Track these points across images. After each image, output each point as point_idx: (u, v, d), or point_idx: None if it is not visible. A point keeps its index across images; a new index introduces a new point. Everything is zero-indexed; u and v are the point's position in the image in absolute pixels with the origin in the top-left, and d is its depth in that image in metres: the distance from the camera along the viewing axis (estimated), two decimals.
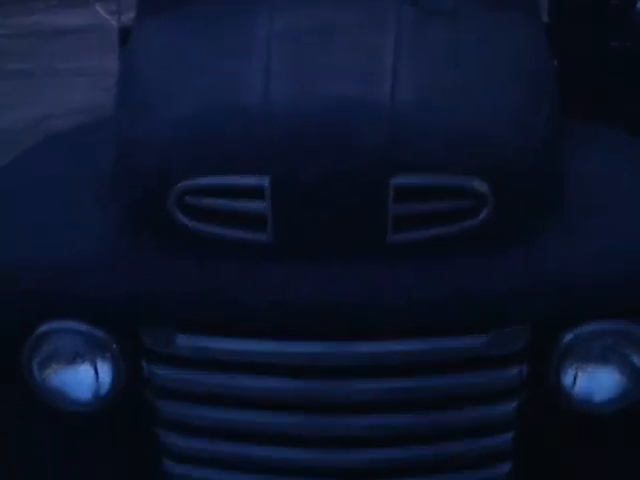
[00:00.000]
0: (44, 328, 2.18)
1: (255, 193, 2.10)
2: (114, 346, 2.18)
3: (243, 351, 2.11)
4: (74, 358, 2.20)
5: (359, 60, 2.24)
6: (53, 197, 2.39)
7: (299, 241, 2.11)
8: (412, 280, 2.08)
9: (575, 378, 2.17)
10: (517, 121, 2.21)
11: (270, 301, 2.08)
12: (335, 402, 2.12)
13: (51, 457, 2.29)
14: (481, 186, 2.10)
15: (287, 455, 2.18)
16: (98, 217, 2.29)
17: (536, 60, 2.46)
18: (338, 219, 2.09)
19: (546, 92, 2.36)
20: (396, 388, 2.11)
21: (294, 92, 2.13)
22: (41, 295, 2.18)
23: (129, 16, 2.93)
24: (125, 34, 2.92)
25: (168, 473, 2.26)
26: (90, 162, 2.49)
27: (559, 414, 2.20)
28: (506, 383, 2.15)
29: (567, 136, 2.46)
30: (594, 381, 2.18)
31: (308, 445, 2.17)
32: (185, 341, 2.13)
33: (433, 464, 2.20)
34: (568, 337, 2.14)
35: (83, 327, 2.17)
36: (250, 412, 2.16)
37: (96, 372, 2.20)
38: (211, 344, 2.12)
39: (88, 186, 2.40)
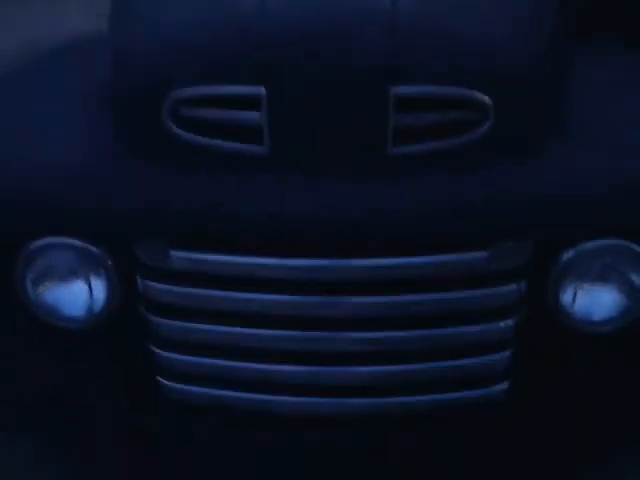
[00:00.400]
0: (37, 244, 2.15)
1: (251, 103, 2.05)
2: (108, 262, 2.15)
3: (239, 266, 2.08)
4: (68, 274, 2.18)
5: None
6: (45, 112, 2.34)
7: (296, 153, 2.07)
8: (412, 193, 2.05)
9: (574, 296, 2.16)
10: (521, 31, 2.16)
11: (266, 215, 2.04)
12: (332, 317, 2.10)
13: (45, 374, 2.27)
14: (484, 97, 2.05)
15: (283, 372, 2.16)
16: (92, 132, 2.24)
17: None
18: (337, 130, 2.05)
19: (550, 4, 2.30)
20: (394, 303, 2.09)
21: None
22: (33, 211, 2.14)
23: None
24: None
25: (163, 391, 2.25)
26: (85, 78, 2.44)
27: (558, 333, 2.19)
28: (505, 300, 2.13)
29: (573, 52, 2.41)
30: (593, 299, 2.16)
31: (305, 361, 2.15)
32: (180, 256, 2.10)
33: (430, 381, 2.19)
34: (568, 254, 2.12)
35: (77, 243, 2.14)
36: (246, 328, 2.14)
37: (90, 288, 2.18)
38: (206, 259, 2.09)
39: (82, 101, 2.35)
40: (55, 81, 2.50)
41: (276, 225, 2.04)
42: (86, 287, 2.18)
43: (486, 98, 2.05)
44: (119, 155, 2.16)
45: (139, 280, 2.16)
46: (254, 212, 2.05)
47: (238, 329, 2.14)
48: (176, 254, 2.09)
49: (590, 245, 2.12)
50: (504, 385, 2.21)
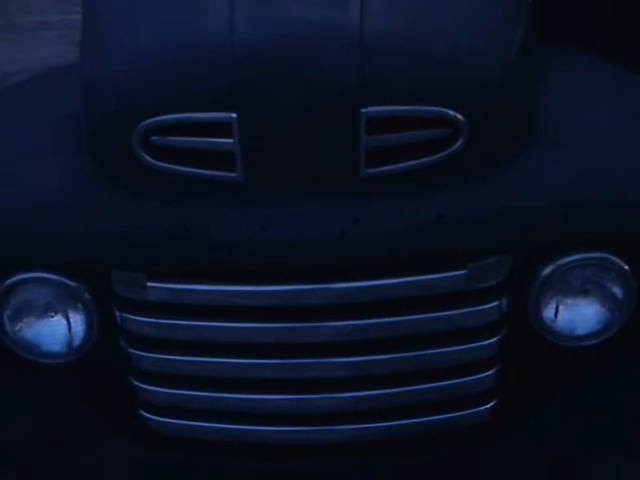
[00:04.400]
0: (12, 280, 2.12)
1: (222, 129, 2.03)
2: (86, 295, 2.13)
3: (216, 294, 2.05)
4: (45, 309, 2.15)
5: None
6: (13, 141, 2.31)
7: (270, 178, 2.05)
8: (388, 214, 2.03)
9: (556, 311, 2.14)
10: (490, 46, 2.15)
11: (242, 241, 2.02)
12: (312, 343, 2.07)
13: (26, 411, 2.24)
14: (456, 115, 2.04)
15: (266, 401, 2.14)
16: (64, 162, 2.22)
17: None
18: (309, 153, 2.03)
19: (519, 17, 2.29)
20: (375, 326, 2.07)
21: (259, 22, 2.05)
22: (7, 245, 2.12)
23: None
24: None
25: (146, 424, 2.22)
26: (54, 106, 2.42)
27: (542, 348, 2.17)
28: (487, 318, 2.11)
29: (543, 62, 2.40)
30: (575, 313, 2.15)
31: (287, 390, 2.12)
32: (156, 287, 2.07)
33: (416, 404, 2.17)
34: (547, 269, 2.10)
35: (53, 277, 2.12)
36: (226, 358, 2.11)
37: (69, 323, 2.15)
38: (183, 288, 2.06)
39: (51, 129, 2.32)
40: (26, 111, 2.48)
41: (253, 251, 2.02)
42: (65, 322, 2.16)
43: (458, 115, 2.04)
44: (92, 185, 2.14)
45: (117, 313, 2.14)
46: (230, 239, 2.02)
47: (218, 359, 2.11)
48: (152, 285, 2.07)
49: (570, 259, 2.10)
50: (491, 404, 2.19)
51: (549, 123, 2.23)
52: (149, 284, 2.07)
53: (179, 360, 2.13)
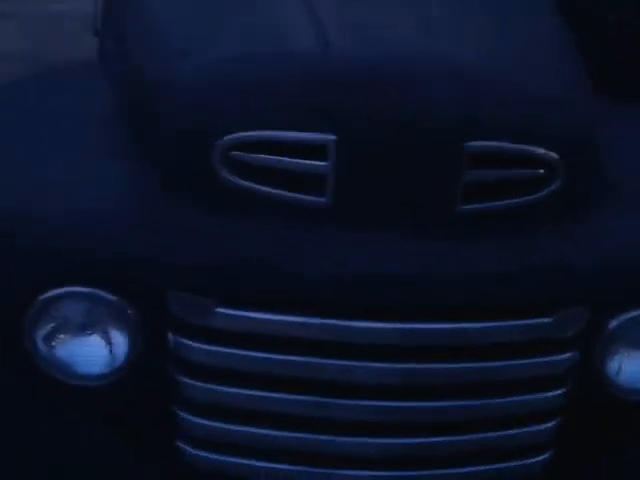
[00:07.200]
0: (49, 294, 1.95)
1: (316, 151, 1.90)
2: (129, 312, 1.96)
3: (291, 327, 1.91)
4: (84, 327, 1.98)
5: (426, 15, 2.07)
6: (55, 140, 2.13)
7: (360, 206, 1.92)
8: (479, 255, 1.94)
9: (620, 365, 2.09)
10: (585, 94, 2.12)
11: (325, 272, 1.89)
12: (377, 383, 1.95)
13: (57, 434, 2.05)
14: (555, 155, 1.97)
15: (322, 442, 2.00)
16: (114, 166, 2.05)
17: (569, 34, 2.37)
18: (405, 183, 1.91)
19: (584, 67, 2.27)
20: (447, 371, 1.96)
21: (357, 39, 1.93)
22: (46, 255, 1.95)
23: None
24: None
25: (181, 456, 2.06)
26: (92, 104, 2.24)
27: (604, 401, 2.11)
28: (559, 368, 2.03)
29: (606, 116, 2.37)
30: (639, 368, 2.09)
31: (348, 431, 2.00)
32: (224, 313, 1.92)
33: (471, 452, 2.06)
34: (613, 323, 2.04)
35: (93, 292, 1.95)
36: (282, 393, 1.97)
37: (109, 343, 1.99)
38: (254, 317, 1.91)
39: (96, 130, 2.15)
40: (51, 102, 2.29)
41: (334, 284, 1.89)
42: (104, 342, 1.99)
43: (556, 156, 1.97)
44: (157, 199, 1.98)
45: (171, 336, 1.98)
46: (312, 268, 1.89)
47: (273, 394, 1.97)
48: (222, 311, 1.92)
49: (635, 313, 2.05)
50: (545, 455, 2.11)
51: (627, 177, 2.19)
52: (218, 310, 1.91)
53: (233, 392, 1.98)
